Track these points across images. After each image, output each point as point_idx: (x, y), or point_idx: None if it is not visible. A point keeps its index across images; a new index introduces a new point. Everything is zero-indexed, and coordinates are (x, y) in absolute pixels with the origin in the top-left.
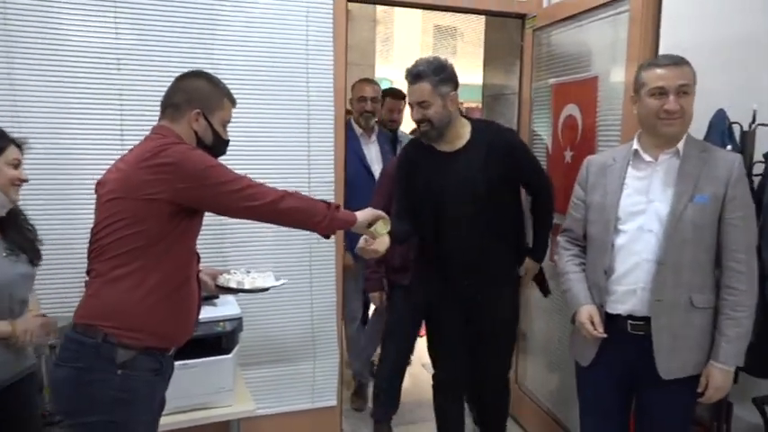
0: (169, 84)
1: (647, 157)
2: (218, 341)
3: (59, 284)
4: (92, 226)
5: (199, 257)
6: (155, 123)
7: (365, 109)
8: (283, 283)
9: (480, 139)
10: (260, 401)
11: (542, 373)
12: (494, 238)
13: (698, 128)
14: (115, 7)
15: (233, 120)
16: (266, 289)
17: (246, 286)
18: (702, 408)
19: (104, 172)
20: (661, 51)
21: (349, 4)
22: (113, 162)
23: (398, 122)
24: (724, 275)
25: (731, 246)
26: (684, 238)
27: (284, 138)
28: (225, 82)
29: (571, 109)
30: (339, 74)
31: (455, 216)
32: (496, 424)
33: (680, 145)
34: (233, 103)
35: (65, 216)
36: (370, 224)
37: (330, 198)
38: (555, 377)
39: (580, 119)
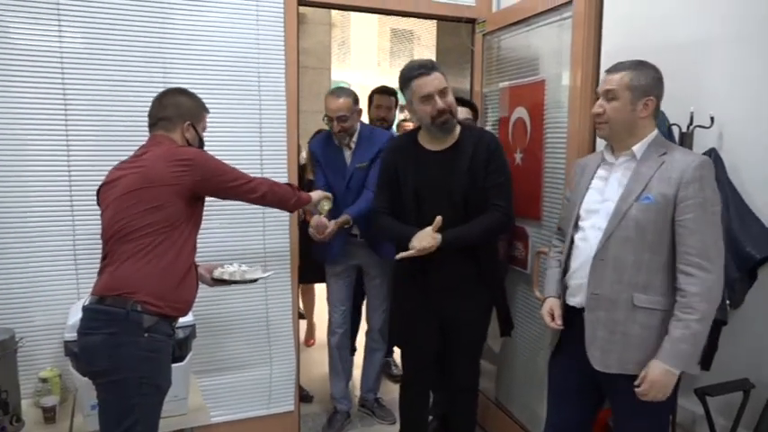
0: (119, 89)
1: (610, 159)
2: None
3: None
4: (104, 221)
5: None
6: (101, 127)
7: (333, 130)
8: (270, 275)
9: (467, 140)
10: (215, 409)
11: (520, 388)
12: (466, 252)
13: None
14: (59, 11)
15: None
16: (256, 280)
17: (237, 277)
18: None
19: (102, 177)
20: (603, 56)
21: (304, 8)
22: (65, 166)
23: (389, 120)
24: (677, 277)
25: (681, 248)
26: (627, 236)
27: (236, 140)
28: (176, 85)
29: (520, 112)
30: (291, 77)
31: (433, 214)
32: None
33: (636, 147)
34: (208, 111)
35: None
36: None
37: None
38: (532, 393)
39: (529, 121)
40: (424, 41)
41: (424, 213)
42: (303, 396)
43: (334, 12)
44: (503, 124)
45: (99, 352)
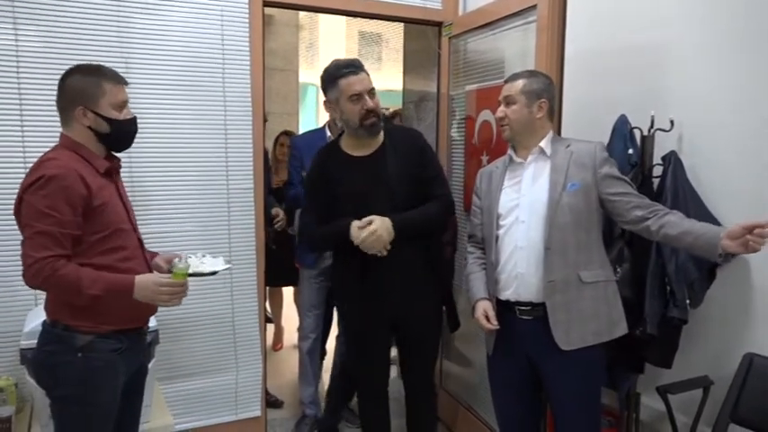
0: None
1: (518, 160)
2: None
3: None
4: None
5: (142, 244)
6: (59, 129)
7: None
8: (228, 268)
9: (394, 141)
10: (181, 416)
11: (465, 373)
12: (414, 245)
13: (603, 133)
14: (14, 9)
15: (148, 122)
16: (214, 272)
17: (191, 270)
18: (613, 398)
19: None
20: (566, 59)
21: (270, 9)
22: (22, 170)
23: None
24: (642, 224)
25: (624, 208)
26: (564, 222)
27: (201, 141)
28: (138, 86)
29: (486, 114)
30: (257, 78)
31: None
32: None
33: (543, 144)
34: (118, 82)
35: None
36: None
37: (249, 205)
38: (476, 377)
39: (495, 124)
40: (392, 44)
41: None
42: (272, 402)
43: (301, 13)
44: (469, 127)
45: (41, 368)
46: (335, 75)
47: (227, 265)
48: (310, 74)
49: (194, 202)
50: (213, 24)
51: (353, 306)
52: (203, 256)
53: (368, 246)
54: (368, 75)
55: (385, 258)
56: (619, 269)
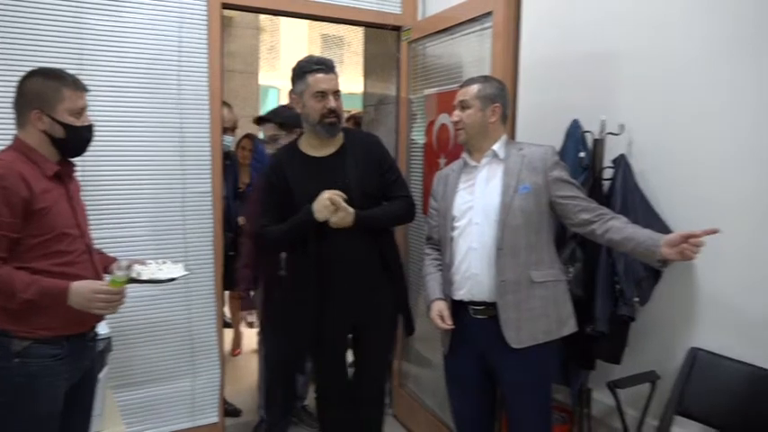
0: None
1: (473, 163)
2: None
3: None
4: None
5: (90, 250)
6: (11, 132)
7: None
8: (186, 274)
9: (353, 144)
10: (135, 424)
11: (424, 373)
12: (370, 246)
13: (557, 136)
14: None
15: (101, 124)
16: (171, 279)
17: (145, 277)
18: (565, 394)
19: None
20: (521, 65)
21: (231, 11)
22: None
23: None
24: (588, 227)
25: (572, 211)
26: (516, 224)
27: (156, 145)
28: (93, 88)
29: (444, 118)
30: (214, 80)
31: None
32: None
33: (496, 147)
34: (78, 88)
35: None
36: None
37: (207, 209)
38: (435, 377)
39: (452, 128)
40: (354, 48)
41: (325, 223)
42: (230, 411)
43: (262, 16)
44: (428, 130)
45: None
46: (306, 69)
47: (186, 272)
48: (272, 76)
49: (149, 207)
50: (169, 26)
51: (310, 309)
52: (164, 262)
53: (326, 207)
54: (337, 77)
55: (343, 262)
56: (571, 269)
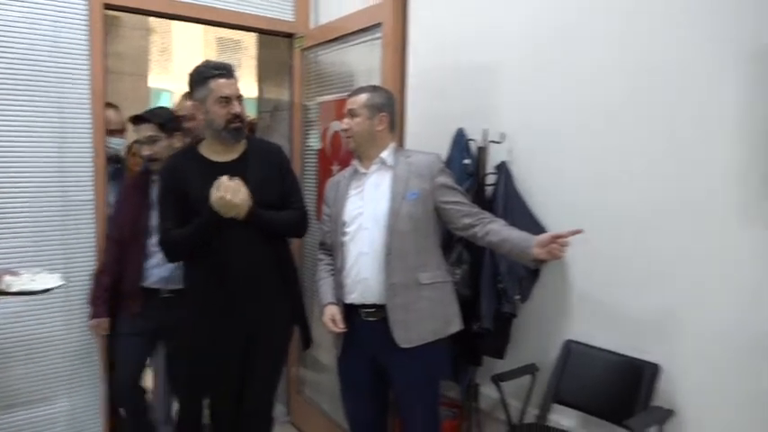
0: None
1: (362, 170)
2: None
3: None
4: None
5: None
6: None
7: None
8: (63, 285)
9: (256, 150)
10: None
11: (320, 378)
12: (268, 257)
13: (444, 144)
14: None
15: None
16: (46, 290)
17: (14, 288)
18: (456, 390)
19: None
20: (409, 75)
21: (118, 12)
22: None
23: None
24: (470, 230)
25: (456, 216)
26: (404, 229)
27: (33, 150)
28: None
29: (337, 126)
30: (97, 81)
31: (235, 228)
32: None
33: (385, 155)
34: None
35: None
36: None
37: (89, 219)
38: (331, 381)
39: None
40: (252, 52)
41: (225, 227)
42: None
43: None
44: (322, 137)
45: None
46: (206, 74)
47: (62, 282)
48: (164, 79)
49: (26, 216)
50: (44, 25)
51: (206, 320)
52: (38, 272)
53: (223, 198)
54: (237, 81)
55: (240, 273)
56: (458, 270)
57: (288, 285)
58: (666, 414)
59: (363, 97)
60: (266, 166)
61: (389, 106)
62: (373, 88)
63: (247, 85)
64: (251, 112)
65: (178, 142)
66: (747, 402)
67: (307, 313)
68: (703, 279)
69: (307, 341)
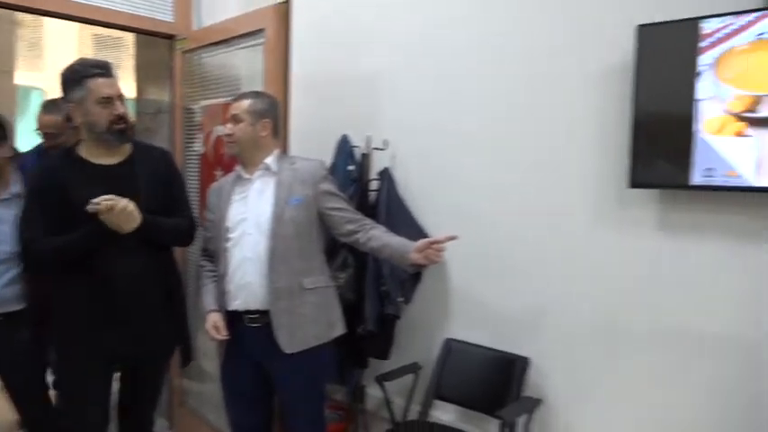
0: None
1: (246, 175)
2: None
3: None
4: None
5: None
6: None
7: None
8: None
9: (142, 156)
10: None
11: (206, 388)
12: (153, 272)
13: (329, 150)
14: None
15: None
16: None
17: None
18: (341, 393)
19: None
20: (292, 81)
21: None
22: None
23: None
24: (353, 236)
25: (339, 222)
26: (288, 234)
27: None
28: None
29: (220, 130)
30: None
31: (120, 236)
32: None
33: (269, 161)
34: None
35: None
36: None
37: None
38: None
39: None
40: (132, 50)
41: (110, 235)
42: None
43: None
44: (206, 142)
45: None
46: (84, 73)
47: None
48: (34, 77)
49: None
50: None
51: (77, 336)
52: None
53: (111, 211)
54: (117, 80)
55: (125, 286)
56: (343, 274)
57: (172, 300)
58: (535, 403)
59: (246, 103)
60: (154, 171)
61: (273, 112)
62: (256, 94)
63: (129, 84)
64: (130, 114)
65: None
66: (608, 389)
67: (189, 329)
68: (566, 278)
69: (186, 359)
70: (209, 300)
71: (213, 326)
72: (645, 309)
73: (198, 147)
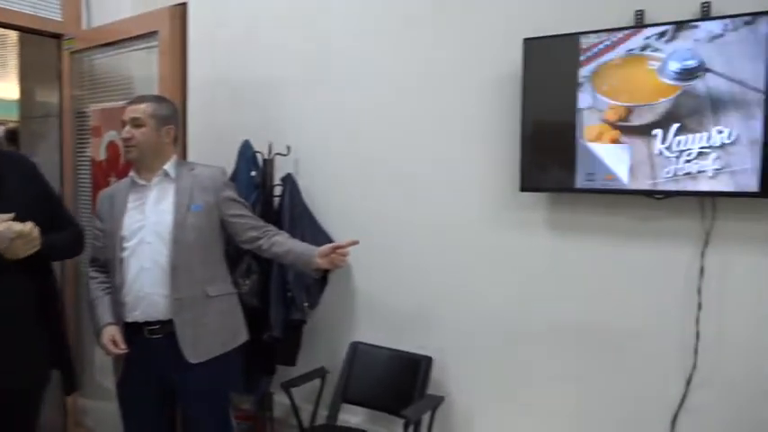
0: None
1: (142, 182)
2: None
3: None
4: None
5: None
6: None
7: None
8: None
9: (9, 168)
10: None
11: (101, 406)
12: (26, 287)
13: (231, 156)
14: None
15: None
16: None
17: None
18: (249, 402)
19: None
20: (190, 86)
21: None
22: None
23: None
24: (256, 243)
25: (242, 229)
26: (190, 242)
27: None
28: None
29: (113, 135)
30: None
31: None
32: None
33: (167, 167)
34: None
35: None
36: None
37: None
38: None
39: (123, 145)
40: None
41: None
42: None
43: None
44: (94, 147)
45: None
46: None
47: None
48: None
49: None
50: None
51: None
52: None
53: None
54: None
55: None
56: (248, 281)
57: (49, 323)
58: (438, 400)
59: (150, 107)
60: (25, 186)
61: (176, 119)
62: (159, 99)
63: (12, 86)
64: (12, 117)
65: None
66: (506, 383)
67: (71, 354)
68: (465, 277)
69: (69, 386)
70: (103, 313)
71: (110, 340)
72: (538, 304)
73: (90, 152)
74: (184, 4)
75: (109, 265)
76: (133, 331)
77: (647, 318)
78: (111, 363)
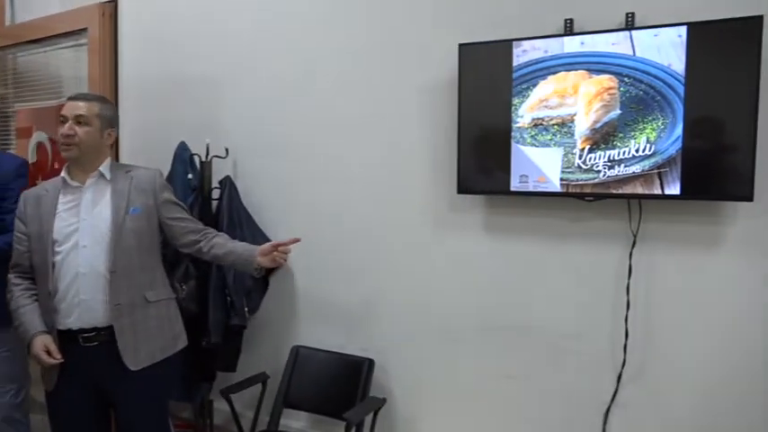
0: None
1: (75, 183)
2: None
3: None
4: None
5: None
6: None
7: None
8: None
9: None
10: None
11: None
12: None
13: (165, 158)
14: None
15: None
16: None
17: None
18: (188, 410)
19: None
20: (123, 84)
21: None
22: None
23: None
24: (195, 246)
25: (180, 232)
26: (128, 245)
27: None
28: None
29: (41, 136)
30: None
31: None
32: None
33: (103, 168)
34: None
35: None
36: None
37: None
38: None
39: (50, 147)
40: None
41: None
42: None
43: None
44: (21, 149)
45: None
46: None
47: None
48: None
49: None
50: None
51: None
52: None
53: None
54: None
55: None
56: (186, 286)
57: None
58: (380, 402)
59: (96, 107)
60: None
61: (117, 121)
62: (103, 99)
63: None
64: None
65: None
66: (445, 383)
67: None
68: (405, 280)
69: None
70: (32, 321)
71: (43, 349)
72: (477, 305)
73: (13, 153)
74: (115, 1)
75: (36, 271)
76: (67, 339)
77: (581, 316)
78: (42, 373)
